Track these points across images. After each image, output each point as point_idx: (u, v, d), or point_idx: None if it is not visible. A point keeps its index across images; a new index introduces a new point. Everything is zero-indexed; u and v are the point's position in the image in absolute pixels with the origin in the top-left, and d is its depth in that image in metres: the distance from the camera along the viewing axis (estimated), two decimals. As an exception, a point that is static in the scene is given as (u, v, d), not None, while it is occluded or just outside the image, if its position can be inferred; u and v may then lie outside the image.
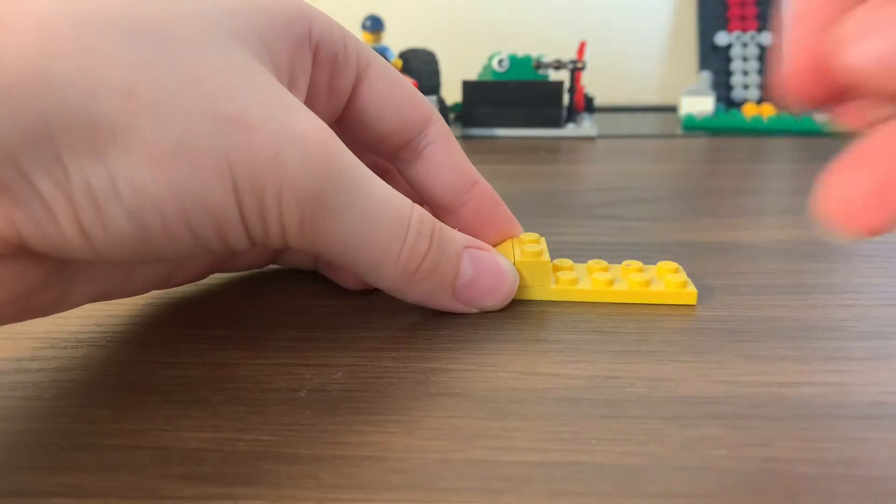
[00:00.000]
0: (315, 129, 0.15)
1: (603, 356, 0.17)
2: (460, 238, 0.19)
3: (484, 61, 0.57)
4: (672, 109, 0.64)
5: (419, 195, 0.22)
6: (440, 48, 0.58)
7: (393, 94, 0.20)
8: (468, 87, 0.55)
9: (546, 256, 0.20)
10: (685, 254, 0.25)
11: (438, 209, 0.21)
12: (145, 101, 0.13)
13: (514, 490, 0.12)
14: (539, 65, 0.55)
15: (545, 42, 0.66)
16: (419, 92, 0.21)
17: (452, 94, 0.59)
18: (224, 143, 0.13)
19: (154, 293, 0.21)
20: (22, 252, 0.13)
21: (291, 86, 0.17)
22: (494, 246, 0.21)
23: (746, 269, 0.24)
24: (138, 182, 0.13)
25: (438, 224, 0.18)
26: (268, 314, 0.20)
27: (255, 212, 0.14)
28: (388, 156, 0.21)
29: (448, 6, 0.74)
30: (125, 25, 0.13)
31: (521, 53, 0.55)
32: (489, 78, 0.55)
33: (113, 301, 0.21)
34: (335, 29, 0.18)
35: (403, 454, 0.13)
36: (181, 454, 0.13)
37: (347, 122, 0.20)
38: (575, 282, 0.21)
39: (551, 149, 0.49)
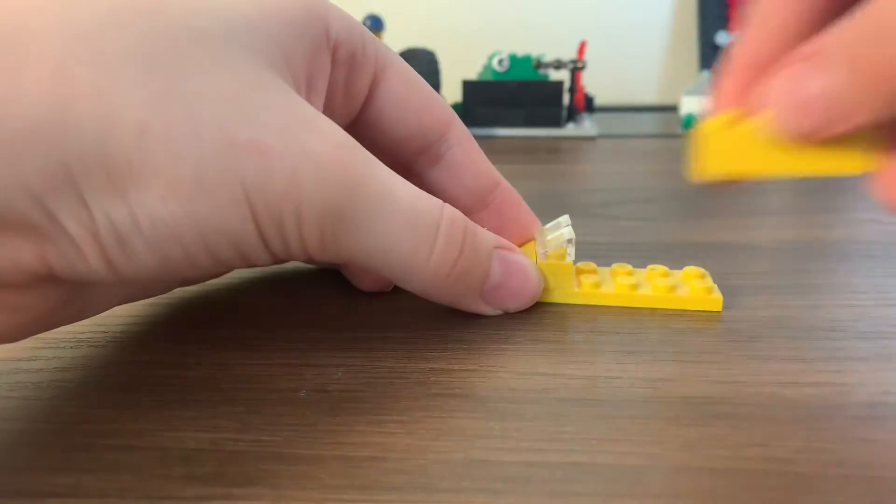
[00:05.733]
0: (331, 143, 0.15)
1: (603, 356, 0.17)
2: (490, 239, 0.18)
3: (484, 61, 0.57)
4: (672, 109, 0.64)
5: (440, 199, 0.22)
6: (440, 48, 0.58)
7: (411, 98, 0.19)
8: (468, 87, 0.55)
9: (570, 259, 0.20)
10: (685, 254, 0.25)
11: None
12: (159, 138, 0.13)
13: (514, 490, 0.12)
14: (539, 64, 0.55)
15: (545, 42, 0.66)
16: (438, 95, 0.21)
17: (452, 94, 0.59)
18: (239, 171, 0.13)
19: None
20: (48, 281, 0.13)
21: (309, 89, 0.17)
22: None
23: (747, 269, 0.23)
24: (157, 216, 0.13)
25: (471, 225, 0.17)
26: (268, 314, 0.20)
27: (274, 232, 0.14)
28: (406, 160, 0.21)
29: (448, 6, 0.74)
30: (138, 58, 0.13)
31: (521, 53, 0.55)
32: (489, 78, 0.55)
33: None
34: (354, 27, 0.18)
35: (404, 454, 0.13)
36: (181, 454, 0.13)
37: (364, 125, 0.20)
38: (598, 285, 0.20)
39: (551, 149, 0.49)
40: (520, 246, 0.21)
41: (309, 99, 0.16)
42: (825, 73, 0.14)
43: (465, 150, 0.21)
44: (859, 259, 0.24)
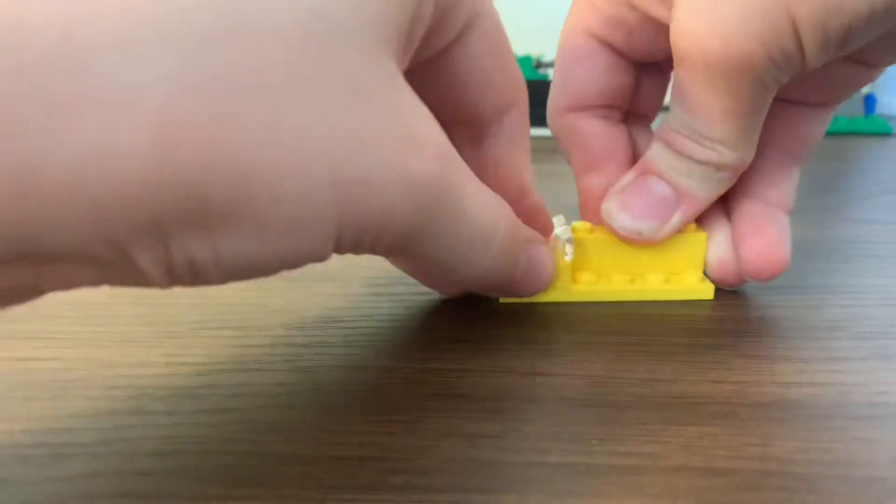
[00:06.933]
0: (432, 157, 0.14)
1: (603, 356, 0.17)
2: (522, 235, 0.18)
3: (484, 61, 0.57)
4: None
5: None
6: (440, 48, 0.58)
7: (487, 68, 0.17)
8: (468, 86, 0.55)
9: (567, 258, 0.21)
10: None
11: None
12: (263, 184, 0.12)
13: (514, 490, 0.12)
14: (539, 65, 0.55)
15: (545, 42, 0.66)
16: (514, 73, 0.18)
17: (452, 93, 0.59)
18: (338, 206, 0.12)
19: (151, 294, 0.21)
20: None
21: (404, 54, 0.14)
22: None
23: (746, 269, 0.23)
24: (241, 253, 0.12)
25: (514, 227, 0.17)
26: (267, 313, 0.20)
27: (349, 247, 0.14)
28: (443, 123, 0.18)
29: (448, 6, 0.74)
30: (251, 87, 0.11)
31: (521, 53, 0.55)
32: (489, 78, 0.55)
33: (109, 302, 0.21)
34: None
35: (404, 454, 0.13)
36: (181, 454, 0.13)
37: (420, 73, 0.17)
38: (595, 282, 0.21)
39: (551, 149, 0.49)
40: None
41: (401, 64, 0.14)
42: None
43: (507, 150, 0.19)
44: (859, 259, 0.24)
